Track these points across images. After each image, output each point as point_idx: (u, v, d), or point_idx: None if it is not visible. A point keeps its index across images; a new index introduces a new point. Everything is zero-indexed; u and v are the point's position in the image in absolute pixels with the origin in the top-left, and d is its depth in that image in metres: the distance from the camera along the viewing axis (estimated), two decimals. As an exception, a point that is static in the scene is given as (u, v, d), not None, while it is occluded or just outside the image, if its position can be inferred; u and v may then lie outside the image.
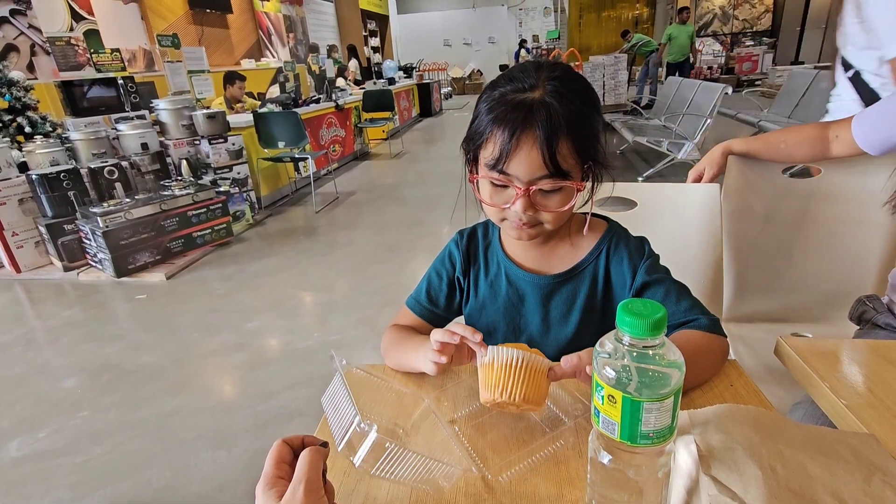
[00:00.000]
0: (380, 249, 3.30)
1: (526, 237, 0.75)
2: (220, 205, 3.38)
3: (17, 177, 3.06)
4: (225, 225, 3.44)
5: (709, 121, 3.87)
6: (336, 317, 2.46)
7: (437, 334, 0.67)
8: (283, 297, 2.72)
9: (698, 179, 1.18)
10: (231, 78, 4.96)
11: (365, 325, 2.35)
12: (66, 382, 2.08)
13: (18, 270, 3.13)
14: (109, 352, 2.28)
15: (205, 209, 3.30)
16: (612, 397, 0.40)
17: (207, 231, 3.34)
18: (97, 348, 2.32)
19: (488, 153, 0.69)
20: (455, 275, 0.87)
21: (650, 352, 0.40)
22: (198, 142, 3.68)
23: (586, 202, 0.77)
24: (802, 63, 10.37)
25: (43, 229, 3.06)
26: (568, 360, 0.60)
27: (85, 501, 1.46)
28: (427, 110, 9.79)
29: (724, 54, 10.94)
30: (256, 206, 4.05)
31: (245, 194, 3.84)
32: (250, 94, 5.24)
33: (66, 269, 3.11)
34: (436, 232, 3.52)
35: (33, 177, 2.95)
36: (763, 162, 1.18)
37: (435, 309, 0.87)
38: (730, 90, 4.00)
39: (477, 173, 0.74)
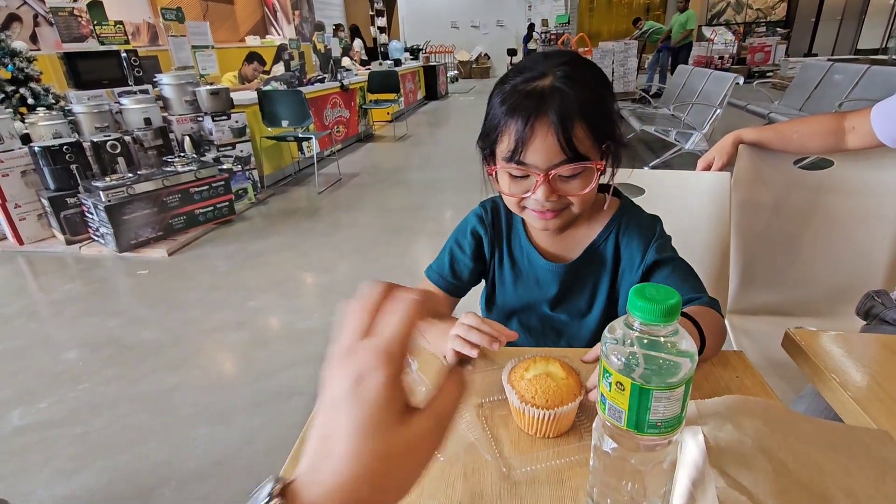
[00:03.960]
0: (383, 232, 3.28)
1: (552, 226, 0.74)
2: (222, 182, 3.36)
3: (20, 148, 3.03)
4: (227, 203, 3.42)
5: (718, 111, 3.81)
6: (337, 298, 2.46)
7: (456, 344, 0.65)
8: (284, 277, 2.71)
9: (708, 168, 1.16)
10: (252, 57, 4.91)
11: (365, 307, 2.34)
12: (68, 355, 2.08)
13: (21, 242, 3.12)
14: (111, 326, 2.28)
15: (207, 186, 3.28)
16: (620, 384, 0.38)
17: (209, 209, 3.32)
18: (99, 322, 2.32)
19: (504, 146, 0.68)
20: (480, 249, 0.87)
21: (661, 339, 0.38)
22: (201, 118, 3.64)
23: (608, 182, 0.76)
24: (816, 55, 10.19)
25: (45, 202, 3.04)
26: (592, 354, 0.61)
27: (85, 472, 1.47)
28: (433, 93, 9.66)
29: (735, 44, 10.74)
30: (259, 185, 4.02)
31: (248, 173, 3.81)
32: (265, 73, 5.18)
33: (69, 243, 3.10)
34: (439, 216, 3.50)
35: (35, 149, 2.93)
36: (774, 152, 1.15)
37: (458, 282, 0.88)
38: (741, 80, 3.92)
39: (494, 165, 0.72)
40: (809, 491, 0.37)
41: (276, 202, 3.97)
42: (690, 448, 0.43)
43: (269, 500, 0.26)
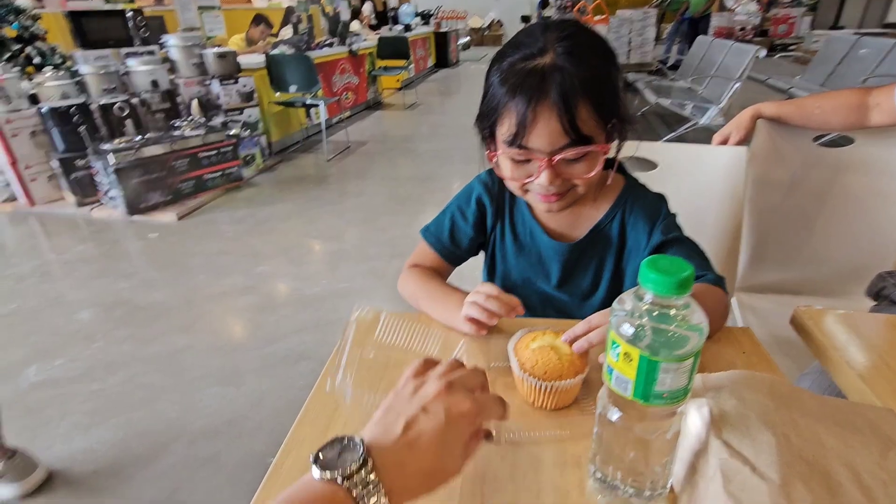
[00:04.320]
0: (390, 201, 3.26)
1: (557, 208, 0.72)
2: (230, 148, 3.34)
3: (28, 109, 3.02)
4: (235, 169, 3.41)
5: (737, 84, 3.69)
6: (345, 266, 2.47)
7: (473, 310, 0.66)
8: (292, 244, 2.72)
9: (724, 143, 1.13)
10: (259, 20, 4.79)
11: (373, 276, 2.36)
12: (81, 315, 2.13)
13: (33, 203, 3.15)
14: (122, 287, 2.31)
15: (215, 151, 3.26)
16: (628, 355, 0.38)
17: (218, 174, 3.32)
18: (110, 283, 2.36)
19: (505, 129, 0.65)
20: (483, 220, 0.85)
21: (672, 311, 0.38)
22: (208, 82, 3.58)
23: (613, 157, 0.74)
24: (842, 28, 9.78)
25: (55, 164, 3.04)
26: (571, 332, 0.60)
27: (100, 427, 1.52)
28: (443, 61, 9.43)
29: (759, 15, 10.31)
30: (267, 151, 4.00)
31: (256, 139, 3.78)
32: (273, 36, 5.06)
33: (79, 205, 3.12)
34: (447, 187, 3.47)
35: (44, 110, 2.91)
36: (793, 128, 1.12)
37: (456, 250, 0.86)
38: (762, 53, 3.78)
39: (495, 150, 0.70)
40: (811, 465, 0.37)
41: (284, 169, 3.95)
42: (694, 420, 0.43)
43: (366, 459, 0.34)
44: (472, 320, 0.67)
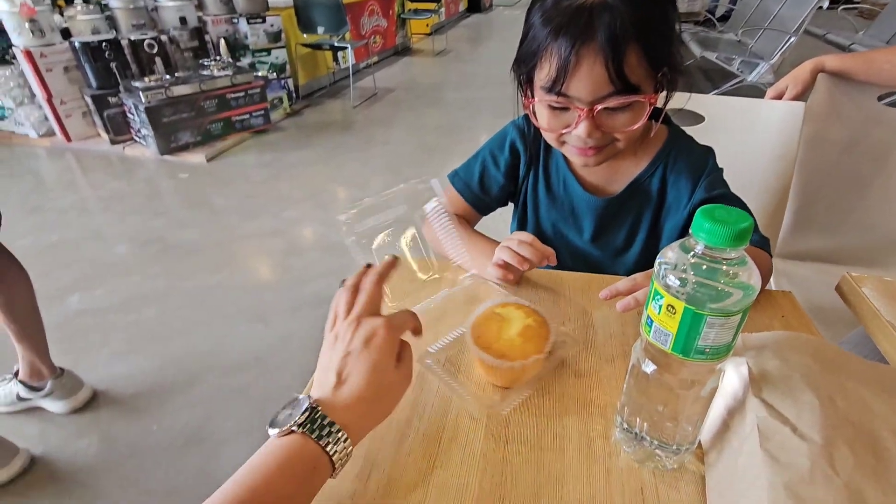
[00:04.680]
0: (416, 151, 3.21)
1: (593, 163, 0.67)
2: (258, 90, 3.29)
3: (61, 43, 3.01)
4: (263, 111, 3.38)
5: (792, 39, 3.40)
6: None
7: (504, 254, 0.65)
8: (318, 190, 2.72)
9: (779, 97, 1.05)
10: None
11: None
12: (118, 249, 2.20)
13: (69, 139, 3.20)
14: (155, 225, 2.38)
15: (243, 93, 3.23)
16: (672, 307, 0.37)
17: (245, 116, 3.30)
18: (144, 220, 2.42)
19: (544, 74, 0.59)
20: (515, 168, 0.81)
21: (724, 265, 0.36)
22: (236, 20, 3.49)
23: (661, 107, 0.69)
24: (916, -22, 8.83)
25: (88, 100, 3.07)
26: (626, 281, 0.57)
27: (139, 355, 1.60)
28: (475, 5, 8.95)
29: (824, -39, 9.35)
30: (294, 95, 3.93)
31: (283, 81, 3.71)
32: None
33: (113, 143, 3.16)
34: (474, 138, 3.38)
35: (76, 44, 2.90)
36: (857, 85, 1.02)
37: (485, 198, 0.84)
38: (825, 3, 3.46)
39: (532, 97, 0.65)
40: (857, 428, 0.35)
41: (310, 114, 3.90)
42: (731, 378, 0.42)
43: (312, 407, 0.39)
44: (502, 265, 0.66)
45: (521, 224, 0.87)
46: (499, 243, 0.68)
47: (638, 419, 0.45)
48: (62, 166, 3.06)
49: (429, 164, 3.01)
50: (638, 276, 0.58)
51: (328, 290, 1.89)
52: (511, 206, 0.88)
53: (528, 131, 0.80)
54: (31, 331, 1.34)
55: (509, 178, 0.82)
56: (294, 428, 0.37)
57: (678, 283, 0.37)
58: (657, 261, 0.39)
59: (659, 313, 0.38)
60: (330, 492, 0.43)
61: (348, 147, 3.26)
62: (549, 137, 0.69)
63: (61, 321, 1.74)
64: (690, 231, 0.37)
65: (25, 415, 1.38)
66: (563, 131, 0.64)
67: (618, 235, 0.78)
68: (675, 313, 0.37)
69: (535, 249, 0.62)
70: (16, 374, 1.39)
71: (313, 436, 0.37)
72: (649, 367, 0.41)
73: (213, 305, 1.83)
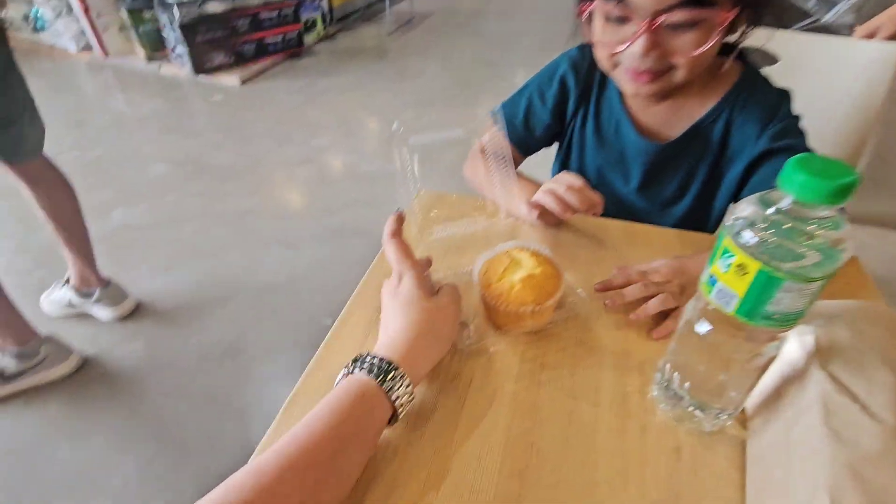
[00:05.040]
0: (450, 85, 3.04)
1: (646, 91, 0.59)
2: (291, 9, 3.12)
3: (94, -50, 2.87)
4: (296, 34, 3.23)
5: (879, -27, 2.98)
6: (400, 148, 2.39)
7: (547, 198, 0.59)
8: (349, 119, 2.64)
9: (870, 37, 0.91)
10: None
11: (428, 161, 2.28)
12: (156, 168, 2.22)
13: (106, 54, 3.15)
14: (190, 145, 2.37)
15: (276, 13, 3.07)
16: (743, 267, 0.32)
17: (279, 38, 3.16)
18: (179, 140, 2.41)
19: None
20: (563, 104, 0.74)
21: (813, 225, 0.31)
22: (270, -70, 3.24)
23: (734, 42, 0.60)
24: None
25: (124, 14, 2.97)
26: (619, 275, 0.55)
27: (177, 269, 1.65)
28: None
29: None
30: (328, 17, 3.73)
31: (317, 2, 3.50)
32: None
33: (149, 59, 3.10)
34: (511, 76, 3.17)
35: (108, -49, 2.76)
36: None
37: (528, 137, 0.77)
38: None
39: (589, 2, 0.56)
40: (935, 413, 0.32)
41: (343, 39, 3.71)
42: (793, 346, 0.38)
43: (370, 358, 0.39)
44: (537, 207, 0.61)
45: (562, 167, 0.81)
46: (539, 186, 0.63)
47: (681, 379, 0.42)
48: (101, 82, 3.04)
49: (461, 99, 2.86)
50: (633, 269, 0.54)
51: (355, 222, 1.88)
52: (554, 147, 0.81)
53: (581, 64, 0.72)
54: (78, 240, 1.38)
55: (556, 117, 0.75)
56: (354, 370, 0.38)
57: (755, 240, 0.32)
58: (731, 215, 0.34)
59: (726, 272, 0.34)
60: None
61: (381, 77, 3.12)
62: (601, 56, 0.61)
63: (106, 234, 1.79)
64: (776, 183, 0.31)
65: (77, 320, 1.46)
66: (619, 49, 0.56)
67: (668, 185, 0.71)
68: (746, 273, 0.32)
69: (583, 197, 0.57)
70: (67, 282, 1.46)
71: (384, 385, 0.38)
72: (703, 328, 0.38)
73: (246, 229, 1.85)
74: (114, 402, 1.25)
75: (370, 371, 0.38)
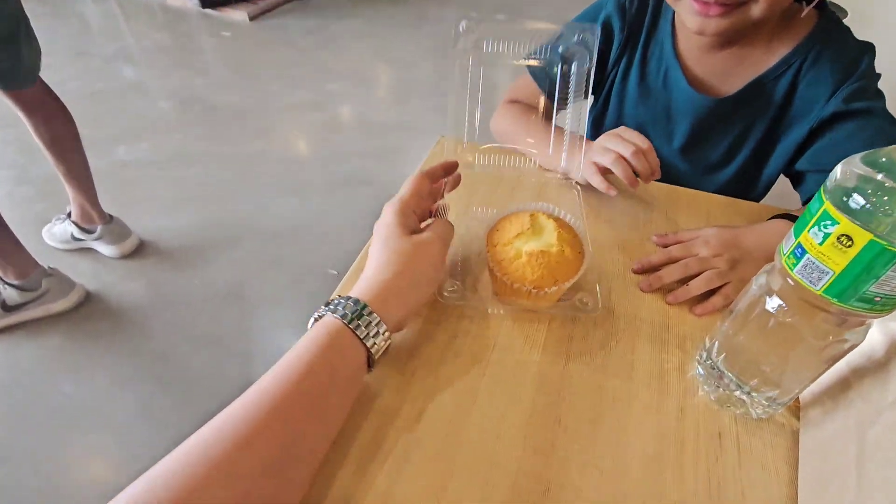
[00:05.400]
0: (470, 34, 2.87)
1: (713, 29, 0.50)
2: (306, -58, 2.90)
3: None
4: (310, -31, 3.01)
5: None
6: (414, 98, 2.28)
7: (609, 159, 0.50)
8: (363, 65, 2.50)
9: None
10: None
11: (441, 112, 2.17)
12: (161, 104, 2.12)
13: (110, -20, 2.96)
14: (197, 84, 2.25)
15: (290, -56, 2.85)
16: (848, 238, 0.26)
17: (292, -27, 2.95)
18: (186, 77, 2.29)
19: None
20: (605, 49, 0.65)
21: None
22: None
23: None
24: None
25: (128, -65, 2.76)
26: (660, 255, 0.49)
27: (181, 210, 1.60)
28: None
29: None
30: (344, -46, 3.47)
31: (333, -65, 3.25)
32: None
33: (154, -11, 2.91)
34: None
35: None
36: None
37: (564, 86, 0.68)
38: None
39: None
40: None
41: (360, -21, 3.48)
42: (874, 335, 0.32)
43: (341, 299, 0.35)
44: (605, 171, 0.52)
45: (597, 123, 0.73)
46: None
47: (731, 360, 0.37)
48: (105, 10, 2.87)
49: (482, 49, 2.70)
50: (675, 238, 0.47)
51: (364, 172, 1.81)
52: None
53: (629, 5, 0.63)
54: (79, 173, 1.32)
55: (596, 65, 0.66)
56: (325, 313, 0.34)
57: (868, 206, 0.26)
58: (835, 175, 0.28)
59: (821, 244, 0.28)
60: (380, 384, 0.38)
61: (398, 22, 2.93)
62: None
63: (109, 170, 1.72)
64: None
65: (80, 254, 1.42)
66: None
67: (716, 147, 0.64)
68: (850, 246, 0.26)
69: (647, 163, 0.49)
70: (68, 215, 1.40)
71: (357, 331, 0.33)
72: (774, 304, 0.32)
73: (252, 173, 1.78)
74: (116, 339, 1.22)
75: (341, 314, 0.33)
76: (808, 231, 0.29)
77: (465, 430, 0.36)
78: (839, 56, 0.55)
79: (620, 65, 0.66)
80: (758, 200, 0.65)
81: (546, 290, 0.40)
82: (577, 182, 0.55)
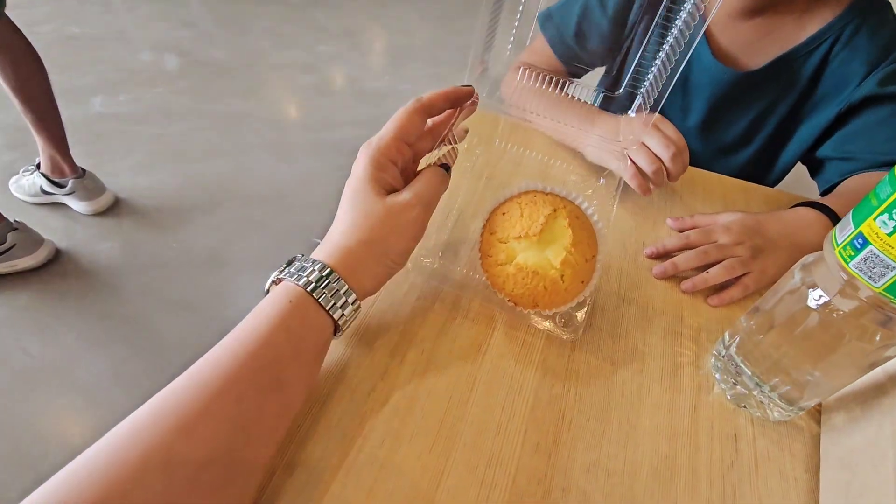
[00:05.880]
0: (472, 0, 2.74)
1: None
2: None
3: None
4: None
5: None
6: (410, 64, 2.18)
7: (646, 161, 0.43)
8: (358, 27, 2.38)
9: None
10: None
11: (438, 82, 2.07)
12: (142, 56, 1.98)
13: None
14: (182, 36, 2.11)
15: None
16: (926, 230, 0.22)
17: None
18: (171, 29, 2.15)
19: None
20: (625, 12, 0.59)
21: None
22: None
23: None
24: None
25: None
26: (676, 239, 0.43)
27: (160, 168, 1.50)
28: None
29: None
30: None
31: None
32: None
33: (137, -70, 2.69)
34: (537, -1, 2.87)
35: None
36: None
37: (581, 52, 0.62)
38: None
39: None
40: None
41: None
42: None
43: (307, 263, 0.30)
44: (640, 173, 0.45)
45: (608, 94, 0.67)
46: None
47: (754, 357, 0.33)
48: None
49: (482, 20, 2.59)
50: (693, 222, 0.43)
51: (355, 140, 1.71)
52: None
53: None
54: (49, 122, 1.22)
55: (616, 27, 0.60)
56: (285, 277, 0.29)
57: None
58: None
59: (891, 234, 0.24)
60: (366, 367, 0.34)
61: (396, -16, 2.79)
62: None
63: (83, 122, 1.61)
64: None
65: (50, 209, 1.34)
66: None
67: (734, 126, 0.59)
68: (928, 238, 0.22)
69: (681, 165, 0.44)
70: (38, 167, 1.31)
71: (321, 299, 0.29)
72: (816, 299, 0.28)
73: (237, 133, 1.68)
74: (87, 300, 1.16)
75: (305, 282, 0.28)
76: (875, 219, 0.25)
77: (461, 422, 0.32)
78: (877, 34, 0.50)
79: (638, 28, 0.61)
80: (772, 188, 0.61)
81: (522, 309, 0.35)
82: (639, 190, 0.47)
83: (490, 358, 0.36)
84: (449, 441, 0.31)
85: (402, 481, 0.29)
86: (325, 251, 0.31)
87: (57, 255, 1.22)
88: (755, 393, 0.34)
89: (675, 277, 0.43)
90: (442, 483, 0.29)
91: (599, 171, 0.51)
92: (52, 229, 1.27)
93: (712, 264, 0.41)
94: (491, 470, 0.30)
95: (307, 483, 0.28)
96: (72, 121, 1.26)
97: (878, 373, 0.31)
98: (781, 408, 0.33)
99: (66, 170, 1.29)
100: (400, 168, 0.34)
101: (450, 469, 0.30)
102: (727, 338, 0.36)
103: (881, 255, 0.24)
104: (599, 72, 0.67)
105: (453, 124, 0.37)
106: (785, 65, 0.54)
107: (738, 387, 0.35)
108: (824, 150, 0.54)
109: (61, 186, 1.30)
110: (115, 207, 1.36)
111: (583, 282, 0.34)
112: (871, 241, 0.25)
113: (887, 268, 0.24)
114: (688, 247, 0.43)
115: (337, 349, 0.35)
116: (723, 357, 0.36)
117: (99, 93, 1.75)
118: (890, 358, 0.28)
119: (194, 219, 1.37)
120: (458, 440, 0.31)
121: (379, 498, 0.28)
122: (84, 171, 1.32)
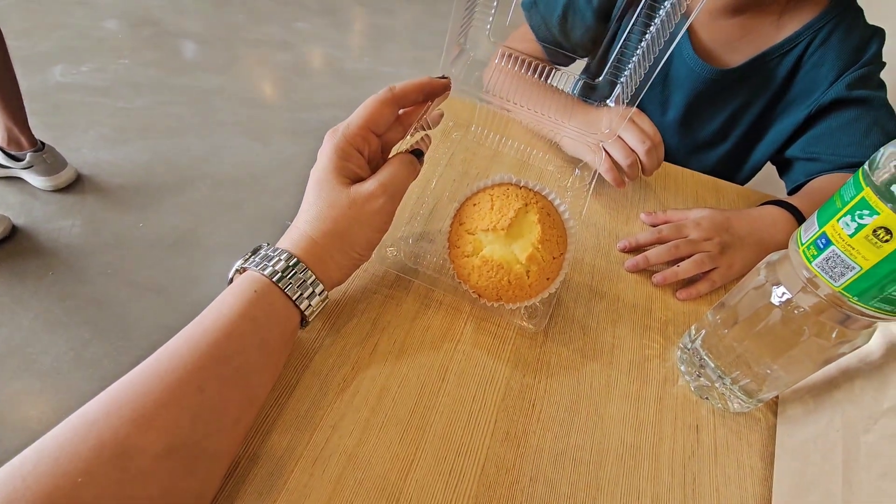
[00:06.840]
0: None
1: None
2: None
3: None
4: None
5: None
6: (392, 47, 2.13)
7: (622, 154, 0.44)
8: (338, 5, 2.31)
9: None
10: None
11: (420, 66, 2.05)
12: (108, 23, 1.87)
13: None
14: (151, 5, 2.01)
15: None
16: (886, 232, 0.23)
17: None
18: (138, -4, 2.04)
19: None
20: (609, 4, 0.58)
21: None
22: None
23: None
24: None
25: None
26: (649, 234, 0.44)
27: (125, 144, 1.44)
28: None
29: None
30: None
31: None
32: None
33: None
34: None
35: None
36: None
37: (564, 41, 0.61)
38: None
39: None
40: None
41: None
42: (875, 341, 0.30)
43: (273, 252, 0.29)
44: (615, 166, 0.46)
45: (588, 85, 0.67)
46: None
47: (718, 351, 0.34)
48: None
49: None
50: (664, 217, 0.45)
51: (335, 122, 1.66)
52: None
53: None
54: (5, 91, 1.14)
55: (600, 18, 0.60)
56: (250, 267, 0.29)
57: (917, 197, 0.22)
58: (880, 158, 0.24)
59: (853, 235, 0.24)
60: (336, 356, 0.33)
61: (379, -38, 2.71)
62: None
63: (42, 92, 1.52)
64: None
65: (6, 184, 1.26)
66: None
67: (711, 123, 0.60)
68: (887, 241, 0.23)
69: (656, 160, 0.45)
70: (-8, 138, 1.23)
71: (288, 290, 0.28)
72: (779, 296, 0.29)
73: (209, 110, 1.62)
74: (47, 280, 1.10)
75: (270, 272, 0.28)
76: (838, 220, 0.25)
77: (431, 412, 0.32)
78: (848, 38, 0.52)
79: (623, 22, 0.61)
80: (742, 185, 0.62)
81: (485, 301, 0.35)
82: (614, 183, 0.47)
83: (462, 348, 0.35)
84: (419, 431, 0.31)
85: (371, 472, 0.28)
86: (291, 240, 0.30)
87: (13, 232, 1.16)
88: (717, 385, 0.35)
89: (646, 272, 0.44)
90: (411, 473, 0.29)
91: (577, 162, 0.51)
92: (7, 205, 1.20)
93: (683, 258, 0.42)
94: (460, 459, 0.30)
95: (272, 473, 0.27)
96: (30, 90, 1.19)
97: (831, 368, 0.32)
98: (741, 400, 0.34)
99: (23, 142, 1.21)
100: (367, 157, 0.33)
101: (419, 459, 0.29)
102: (693, 331, 0.37)
103: (842, 255, 0.25)
104: (582, 61, 0.67)
105: (427, 111, 0.36)
106: (761, 64, 0.55)
107: (701, 379, 0.36)
108: (792, 151, 0.56)
109: (18, 160, 1.23)
110: (76, 184, 1.30)
111: (548, 279, 0.34)
112: (834, 242, 0.25)
113: (847, 268, 0.25)
114: (660, 241, 0.43)
115: (307, 336, 0.34)
116: (688, 350, 0.37)
117: (60, 61, 1.65)
118: (844, 354, 0.29)
119: (162, 198, 1.32)
120: (428, 430, 0.31)
121: (346, 488, 0.27)
122: (43, 144, 1.25)
